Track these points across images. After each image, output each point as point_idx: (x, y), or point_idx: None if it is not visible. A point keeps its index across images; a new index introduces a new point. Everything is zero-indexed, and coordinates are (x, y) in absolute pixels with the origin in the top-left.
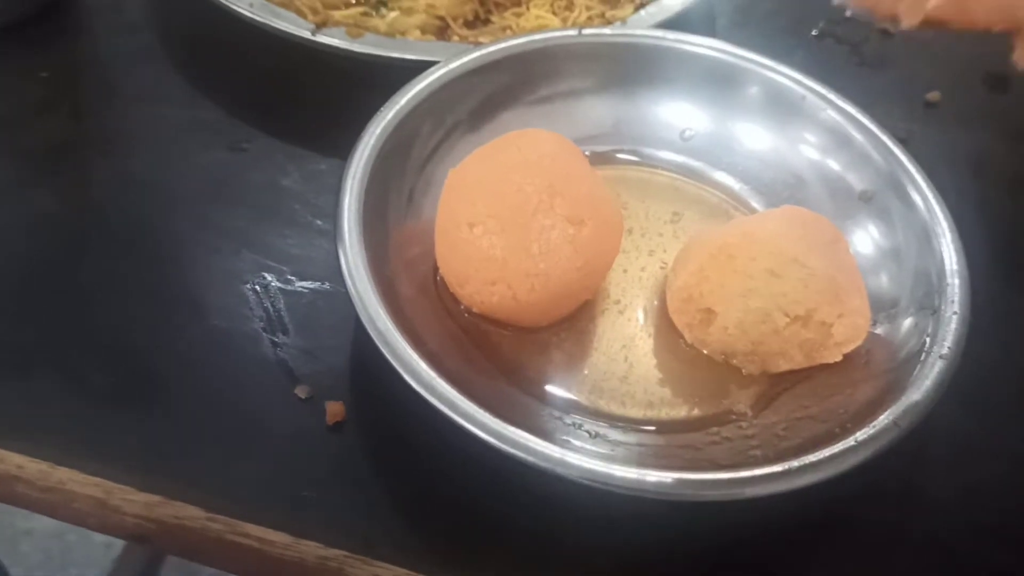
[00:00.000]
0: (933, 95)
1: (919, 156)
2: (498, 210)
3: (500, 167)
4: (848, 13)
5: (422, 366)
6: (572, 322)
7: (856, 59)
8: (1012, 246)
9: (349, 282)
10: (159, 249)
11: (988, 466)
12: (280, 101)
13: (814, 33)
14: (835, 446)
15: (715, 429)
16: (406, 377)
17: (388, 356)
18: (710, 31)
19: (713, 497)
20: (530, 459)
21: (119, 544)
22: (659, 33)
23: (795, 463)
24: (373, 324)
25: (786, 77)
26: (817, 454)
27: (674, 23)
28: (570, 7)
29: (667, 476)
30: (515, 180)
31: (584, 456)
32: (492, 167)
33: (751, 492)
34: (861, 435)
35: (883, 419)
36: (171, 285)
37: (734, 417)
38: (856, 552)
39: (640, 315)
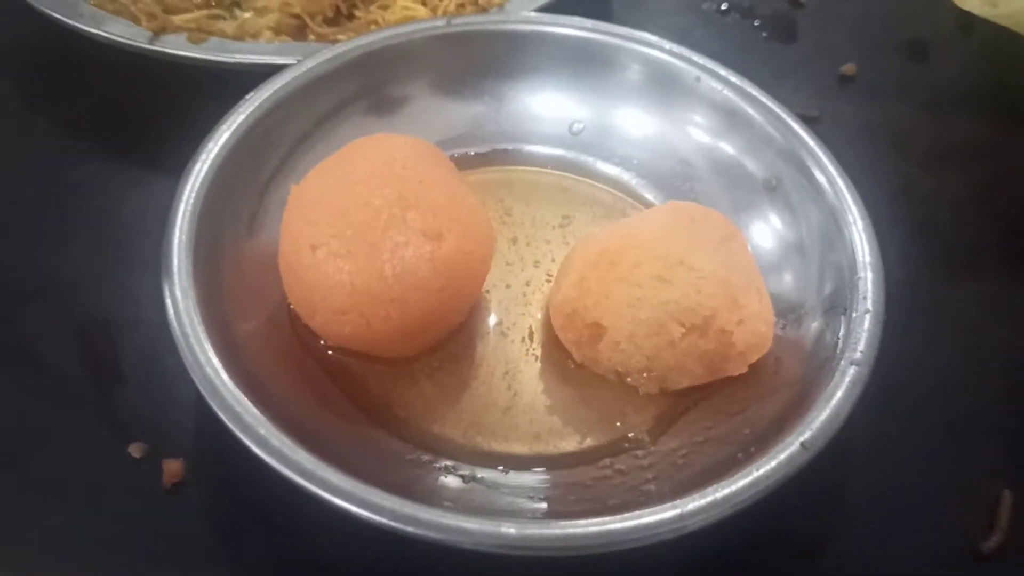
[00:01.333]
0: (848, 67)
1: (833, 134)
2: (343, 228)
3: (345, 179)
4: None
5: (256, 415)
6: (446, 348)
7: (764, 33)
8: (931, 228)
9: (173, 322)
10: None
11: (910, 471)
12: (118, 119)
13: (723, 8)
14: (733, 479)
15: (608, 461)
16: (234, 429)
17: (214, 406)
18: (605, 13)
19: (586, 551)
20: (376, 518)
21: None
22: (532, 17)
23: (688, 505)
24: (201, 370)
25: (672, 55)
26: (710, 492)
27: (561, 7)
28: None
29: (528, 528)
30: (361, 193)
31: (437, 511)
32: (336, 180)
33: (635, 541)
34: (762, 464)
35: (789, 440)
36: None
37: (628, 445)
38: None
39: (524, 335)
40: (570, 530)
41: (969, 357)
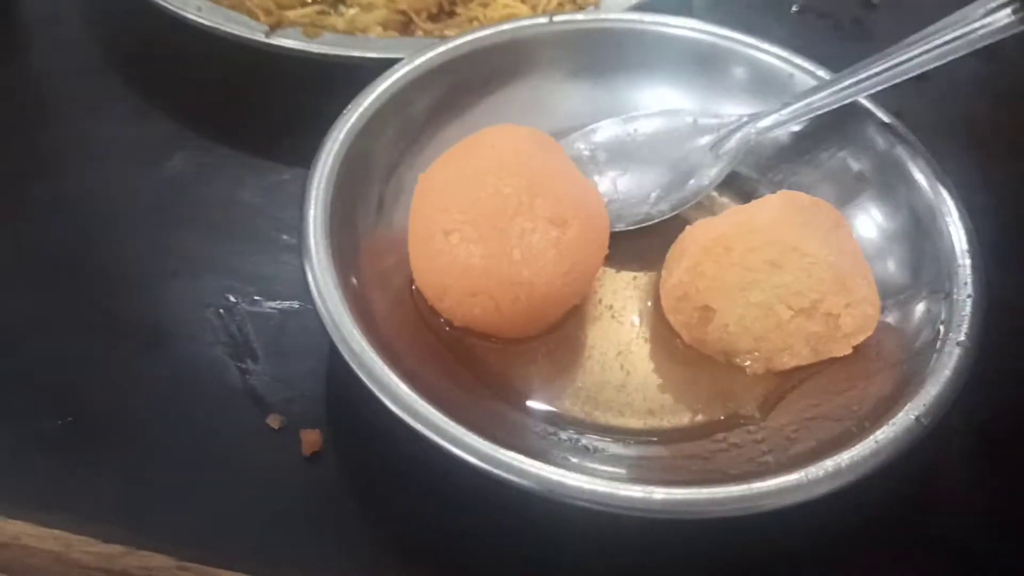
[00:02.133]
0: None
1: (914, 130)
2: (474, 215)
3: (473, 168)
4: None
5: (402, 387)
6: (561, 330)
7: (839, 33)
8: (1018, 219)
9: (318, 300)
10: (104, 277)
11: (1012, 460)
12: (235, 110)
13: (794, 9)
14: (854, 448)
15: (721, 435)
16: (384, 400)
17: (363, 377)
18: (686, 11)
19: (727, 513)
20: (525, 483)
21: None
22: (633, 16)
23: (813, 470)
24: (346, 343)
25: (769, 55)
26: (835, 458)
27: (649, 5)
28: None
29: (676, 493)
30: (490, 181)
31: (583, 476)
32: (464, 169)
33: (769, 505)
34: (881, 435)
35: (902, 415)
36: (121, 315)
37: (741, 421)
38: (878, 560)
39: (635, 318)
40: (711, 494)
41: None
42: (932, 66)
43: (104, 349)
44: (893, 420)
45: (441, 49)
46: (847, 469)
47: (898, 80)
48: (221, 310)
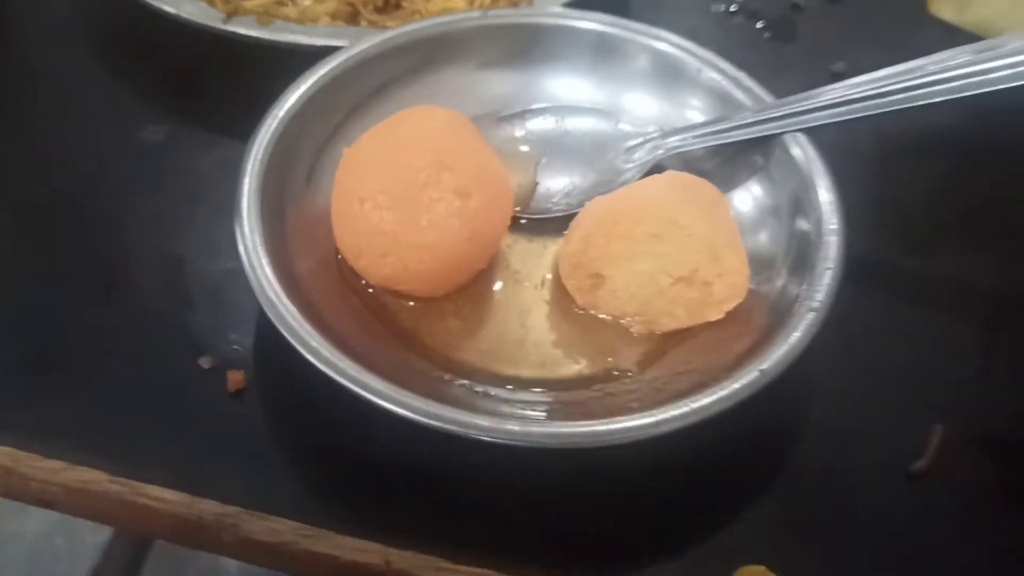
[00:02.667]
0: (838, 65)
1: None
2: (388, 186)
3: (391, 144)
4: None
5: (313, 334)
6: (470, 291)
7: (767, 34)
8: (903, 208)
9: (244, 257)
10: (72, 230)
11: (860, 407)
12: (196, 90)
13: (731, 10)
14: (701, 396)
15: (600, 386)
16: (292, 342)
17: (277, 324)
18: (623, 11)
19: (579, 445)
20: (416, 416)
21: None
22: (558, 12)
23: (661, 414)
24: (266, 296)
25: (673, 46)
26: (685, 403)
27: (583, 3)
28: None
29: (534, 426)
30: (404, 156)
31: (469, 412)
32: (383, 145)
33: (618, 440)
34: (726, 384)
35: (750, 369)
36: (82, 265)
37: (619, 374)
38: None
39: (538, 283)
40: (562, 429)
41: (920, 316)
42: (855, 116)
43: (62, 292)
44: (740, 374)
45: (379, 39)
46: (692, 412)
47: (825, 123)
48: (168, 266)
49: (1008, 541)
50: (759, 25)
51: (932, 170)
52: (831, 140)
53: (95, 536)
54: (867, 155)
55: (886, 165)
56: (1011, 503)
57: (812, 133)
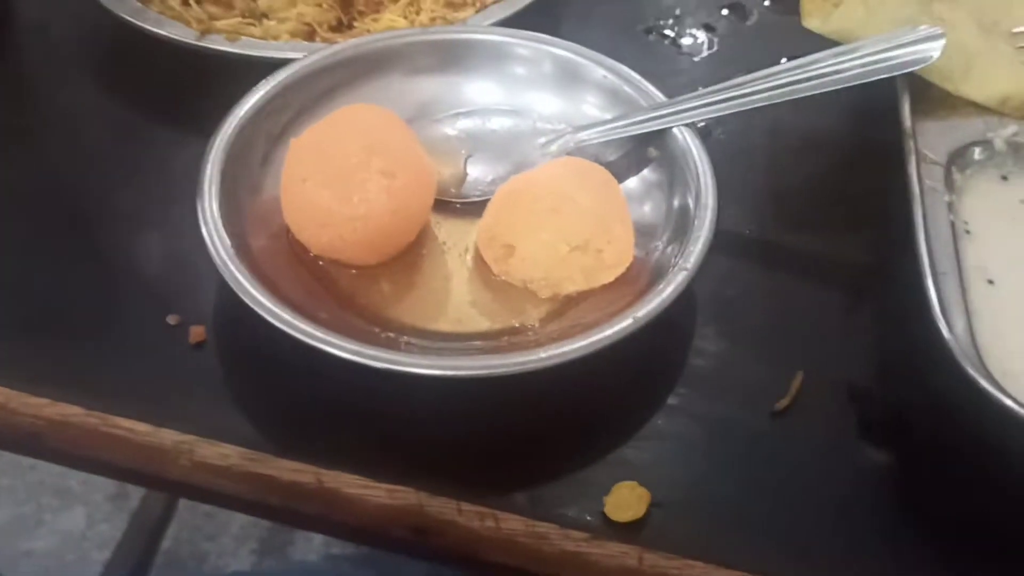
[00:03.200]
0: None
1: (717, 125)
2: (326, 168)
3: (330, 135)
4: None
5: (263, 293)
6: (401, 259)
7: (679, 50)
8: (785, 193)
9: (204, 231)
10: (61, 216)
11: (734, 356)
12: (173, 98)
13: (654, 29)
14: (582, 337)
15: (506, 338)
16: (244, 299)
17: (231, 285)
18: (554, 31)
19: (475, 375)
20: (338, 352)
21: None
22: (483, 28)
23: (548, 351)
24: (223, 263)
25: (571, 51)
26: (567, 344)
27: (512, 23)
28: (418, 11)
29: (435, 361)
30: (340, 144)
31: (395, 354)
32: (324, 135)
33: (510, 371)
34: (604, 329)
35: (626, 315)
36: (69, 236)
37: (523, 329)
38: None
39: (462, 253)
40: (465, 362)
41: (791, 283)
42: (749, 107)
43: (53, 266)
44: (617, 320)
45: (328, 52)
46: (571, 351)
47: (708, 116)
48: (145, 241)
49: (859, 466)
50: (673, 43)
51: (814, 163)
52: (730, 138)
53: (101, 553)
54: (758, 150)
55: (774, 159)
56: (862, 435)
57: (708, 129)
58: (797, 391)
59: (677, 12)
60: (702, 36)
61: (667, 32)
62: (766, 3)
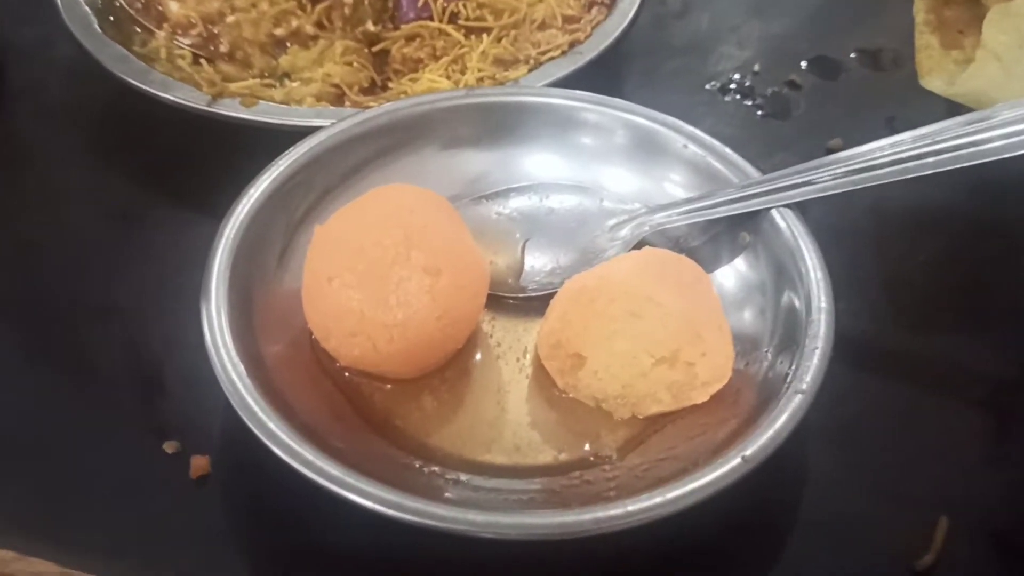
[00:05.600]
0: (835, 142)
1: (816, 201)
2: (355, 263)
3: (360, 222)
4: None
5: (274, 419)
6: (447, 371)
7: (760, 112)
8: (900, 284)
9: (208, 340)
10: (43, 313)
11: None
12: (180, 170)
13: (729, 87)
14: (678, 483)
15: (578, 473)
16: (250, 425)
17: (236, 407)
18: (617, 90)
19: (545, 537)
20: (376, 506)
21: None
22: (539, 90)
23: (633, 504)
24: (228, 379)
25: (650, 120)
26: (656, 495)
27: (573, 83)
28: (463, 70)
29: (491, 516)
30: (373, 234)
31: (435, 503)
32: (353, 223)
33: (587, 532)
34: (706, 473)
35: (732, 454)
36: (50, 346)
37: (599, 460)
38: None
39: (520, 362)
40: (529, 520)
41: (918, 399)
42: (844, 190)
43: (30, 375)
44: (722, 459)
45: (358, 119)
46: (667, 503)
47: (811, 196)
48: (140, 346)
49: None
50: (753, 103)
51: (928, 247)
52: (826, 217)
53: None
54: (862, 232)
55: (881, 242)
56: None
57: (802, 208)
58: (942, 544)
59: (756, 68)
60: (786, 94)
61: (744, 91)
62: (853, 55)
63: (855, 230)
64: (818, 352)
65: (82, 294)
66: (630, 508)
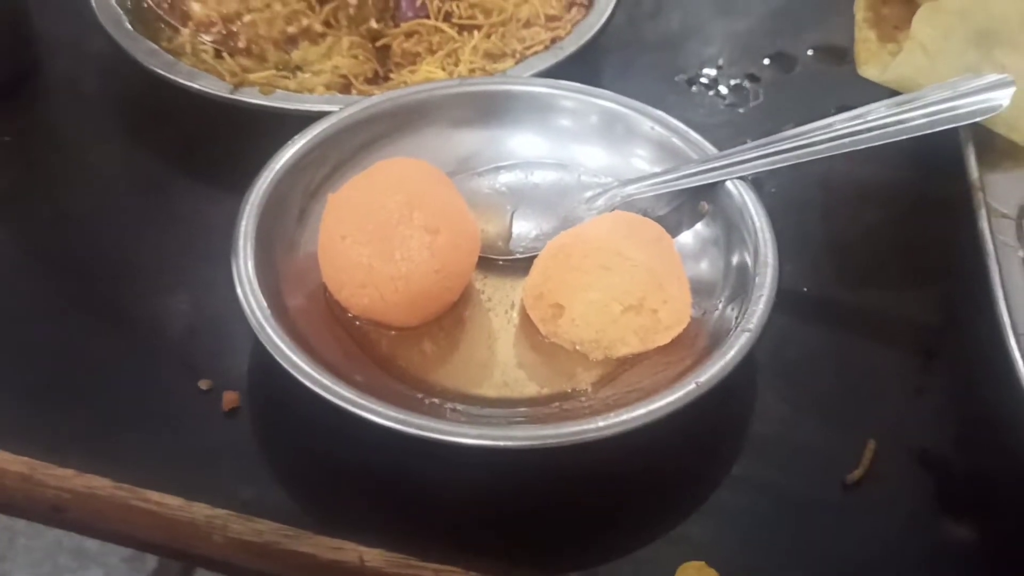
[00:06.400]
0: (788, 127)
1: (770, 177)
2: (365, 223)
3: (369, 189)
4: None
5: (301, 356)
6: (444, 320)
7: (724, 101)
8: (845, 248)
9: (240, 291)
10: (90, 274)
11: (798, 422)
12: (205, 151)
13: (696, 79)
14: (641, 405)
15: (557, 404)
16: (281, 362)
17: (267, 347)
18: (596, 81)
19: (525, 448)
20: (380, 420)
21: None
22: (524, 79)
23: (603, 421)
24: (259, 324)
25: (618, 104)
26: (622, 413)
27: (556, 74)
28: (457, 63)
29: (484, 430)
30: (380, 199)
31: (439, 422)
32: (362, 190)
33: (566, 441)
34: (664, 396)
35: (688, 381)
36: (98, 301)
37: (576, 394)
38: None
39: (508, 313)
40: (515, 432)
41: (857, 343)
42: (806, 160)
43: (82, 325)
44: (678, 386)
45: (365, 104)
46: (633, 418)
47: (762, 169)
48: (176, 298)
49: (940, 543)
50: (716, 93)
51: (869, 216)
52: (780, 191)
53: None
54: (811, 203)
55: (827, 212)
56: (942, 508)
57: (757, 183)
58: (870, 461)
59: (720, 62)
60: (747, 86)
61: (710, 83)
62: (809, 52)
63: (804, 201)
64: (763, 298)
65: (122, 259)
66: (600, 423)
